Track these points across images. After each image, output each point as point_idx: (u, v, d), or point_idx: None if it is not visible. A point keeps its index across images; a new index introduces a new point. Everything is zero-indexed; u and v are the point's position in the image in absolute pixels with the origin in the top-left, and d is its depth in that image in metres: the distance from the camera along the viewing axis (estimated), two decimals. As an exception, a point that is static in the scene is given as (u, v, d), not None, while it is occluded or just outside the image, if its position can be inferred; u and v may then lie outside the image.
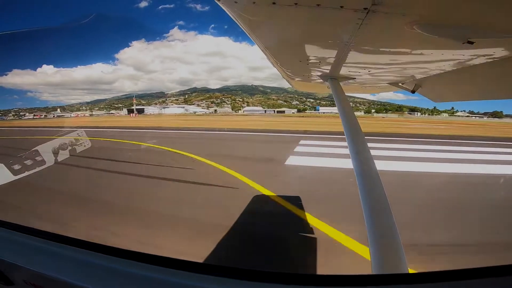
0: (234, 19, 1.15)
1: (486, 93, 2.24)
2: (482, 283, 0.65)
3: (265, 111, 52.99)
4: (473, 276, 0.67)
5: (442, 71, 1.94)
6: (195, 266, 0.83)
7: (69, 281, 0.80)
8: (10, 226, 1.12)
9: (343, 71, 2.17)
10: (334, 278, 0.74)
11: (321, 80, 2.56)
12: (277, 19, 1.24)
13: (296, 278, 0.73)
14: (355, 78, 2.42)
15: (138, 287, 0.75)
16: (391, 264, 1.20)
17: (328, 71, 2.21)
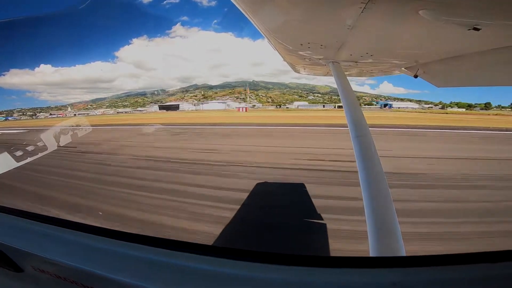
0: (235, 3, 1.12)
1: (491, 80, 2.21)
2: (477, 268, 0.66)
3: (324, 106, 50.76)
4: (468, 261, 0.69)
5: (446, 57, 1.90)
6: (197, 248, 0.86)
7: (77, 266, 0.83)
8: (19, 213, 1.14)
9: (345, 54, 2.12)
10: (332, 259, 0.76)
11: (323, 64, 2.51)
12: (279, 1, 1.20)
13: (294, 259, 0.76)
14: (357, 62, 2.38)
15: (147, 270, 0.78)
16: (388, 247, 1.22)
17: (330, 55, 2.17)
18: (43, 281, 0.93)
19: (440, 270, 0.67)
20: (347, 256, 0.79)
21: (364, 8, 1.04)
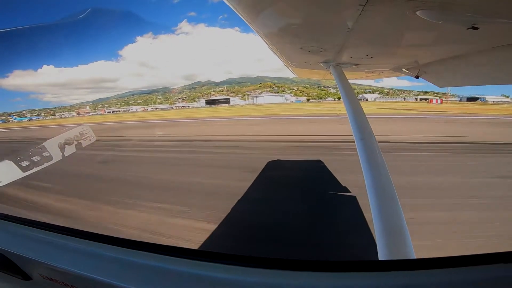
0: (234, 10, 1.13)
1: (492, 78, 2.20)
2: (490, 269, 0.64)
3: (404, 99, 48.26)
4: (480, 262, 0.67)
5: (446, 56, 1.90)
6: (200, 254, 0.86)
7: (84, 274, 0.83)
8: (27, 222, 1.15)
9: (346, 57, 2.14)
10: (340, 264, 0.75)
11: (323, 67, 2.53)
12: (277, 6, 1.22)
13: (301, 265, 0.75)
14: (358, 65, 2.39)
15: (153, 277, 0.78)
16: (397, 250, 1.20)
17: (330, 58, 2.18)
18: None
19: (451, 272, 0.65)
20: (356, 260, 0.77)
21: (362, 10, 1.06)
